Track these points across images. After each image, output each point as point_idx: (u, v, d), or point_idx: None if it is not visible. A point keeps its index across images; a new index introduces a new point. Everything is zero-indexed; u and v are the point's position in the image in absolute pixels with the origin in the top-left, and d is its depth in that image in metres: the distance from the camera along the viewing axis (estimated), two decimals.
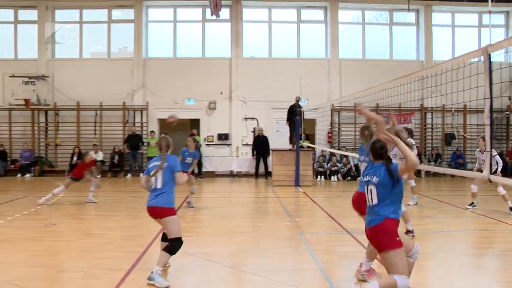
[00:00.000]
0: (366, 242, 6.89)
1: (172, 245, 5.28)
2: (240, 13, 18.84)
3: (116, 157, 17.64)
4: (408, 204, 10.66)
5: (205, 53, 19.17)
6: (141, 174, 17.48)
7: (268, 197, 12.83)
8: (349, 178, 16.72)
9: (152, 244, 6.83)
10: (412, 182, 10.86)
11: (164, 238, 5.52)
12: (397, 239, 4.16)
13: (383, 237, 4.16)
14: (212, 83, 18.62)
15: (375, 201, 4.25)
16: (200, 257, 6.23)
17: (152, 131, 18.00)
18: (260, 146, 17.39)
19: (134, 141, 17.59)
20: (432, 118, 19.02)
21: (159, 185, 5.34)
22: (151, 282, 5.03)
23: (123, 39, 19.18)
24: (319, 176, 16.86)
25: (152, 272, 5.10)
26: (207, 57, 19.07)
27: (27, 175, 17.54)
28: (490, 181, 4.72)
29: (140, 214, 9.63)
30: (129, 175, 17.61)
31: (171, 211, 5.34)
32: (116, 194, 12.86)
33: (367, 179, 4.34)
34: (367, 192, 4.33)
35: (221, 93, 18.76)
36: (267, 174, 17.18)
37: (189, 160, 10.03)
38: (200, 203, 11.37)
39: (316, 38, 19.37)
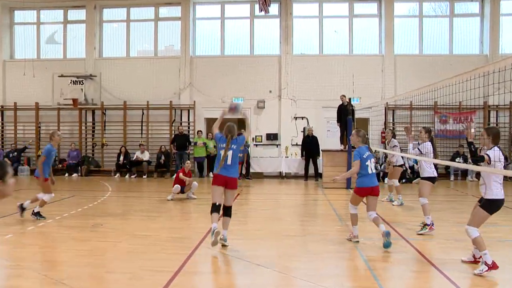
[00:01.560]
0: (424, 248, 6.72)
1: (231, 210, 7.05)
2: (290, 8, 18.80)
3: (163, 157, 18.02)
4: (393, 205, 10.93)
5: (253, 50, 19.29)
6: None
7: (318, 200, 12.71)
8: (404, 180, 16.21)
9: (199, 246, 6.90)
10: (395, 182, 11.20)
11: (215, 209, 6.85)
12: None
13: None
14: (261, 81, 18.70)
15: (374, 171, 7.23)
16: (248, 261, 6.22)
17: (199, 131, 18.28)
18: (310, 146, 17.29)
19: (181, 140, 17.90)
20: (497, 117, 18.21)
21: (229, 162, 6.98)
22: (226, 244, 6.85)
23: (170, 37, 19.69)
24: None
25: (224, 235, 6.84)
26: (255, 54, 19.20)
27: (74, 175, 18.26)
28: None
29: (186, 216, 9.81)
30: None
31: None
32: (162, 195, 13.10)
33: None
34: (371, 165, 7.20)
35: (270, 91, 18.81)
36: (317, 175, 17.06)
37: (240, 155, 10.98)
38: (247, 204, 11.40)
39: (369, 33, 19.05)
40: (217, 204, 6.86)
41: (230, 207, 7.02)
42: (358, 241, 7.30)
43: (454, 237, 7.66)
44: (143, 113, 18.90)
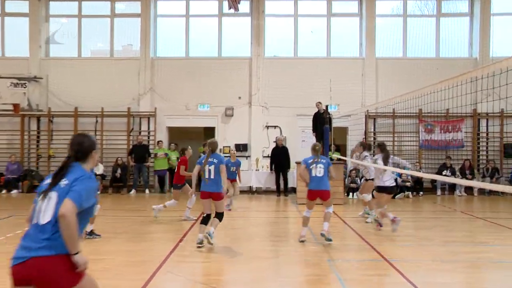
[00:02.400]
0: (408, 270, 6.81)
1: (222, 215, 8.48)
2: (262, 5, 18.95)
3: (119, 171, 17.81)
4: (366, 222, 11.29)
5: (221, 52, 19.32)
6: (147, 190, 17.67)
7: (291, 217, 12.74)
8: None
9: (160, 271, 6.81)
10: (366, 197, 11.60)
11: (204, 221, 8.48)
12: None
13: None
14: (230, 87, 18.73)
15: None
16: (214, 286, 6.18)
17: (161, 141, 18.14)
18: (279, 158, 17.40)
19: (140, 152, 17.76)
20: (487, 126, 18.71)
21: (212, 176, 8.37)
22: (211, 241, 8.18)
23: (128, 36, 19.51)
24: (351, 193, 16.69)
25: (210, 232, 8.18)
26: (224, 56, 19.23)
27: (14, 192, 17.73)
28: None
29: (146, 237, 9.68)
30: (133, 191, 17.72)
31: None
32: (117, 213, 12.92)
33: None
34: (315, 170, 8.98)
35: (240, 97, 18.85)
36: (286, 190, 17.21)
37: (233, 169, 13.18)
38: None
39: (349, 34, 19.36)
40: (206, 215, 8.46)
41: (221, 213, 8.47)
42: (303, 241, 8.85)
43: (441, 258, 7.78)
44: (96, 121, 18.64)
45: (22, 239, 3.30)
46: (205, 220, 8.45)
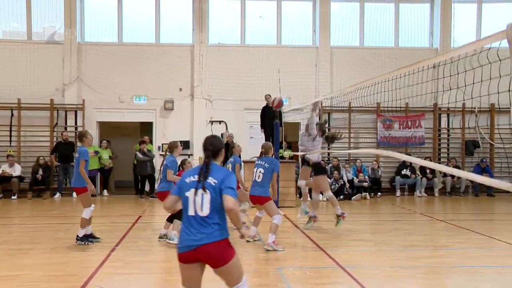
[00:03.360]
0: (364, 277, 6.90)
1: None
2: None
3: (41, 172, 17.34)
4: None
5: (159, 38, 19.14)
6: (74, 194, 17.19)
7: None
8: (341, 197, 16.69)
9: (88, 285, 6.61)
10: (316, 196, 11.48)
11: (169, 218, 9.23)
12: None
13: None
14: (169, 77, 18.57)
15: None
16: None
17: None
18: (227, 156, 17.32)
19: (65, 150, 17.32)
20: (448, 121, 19.31)
21: None
22: (171, 242, 8.79)
23: (50, 16, 18.83)
24: None
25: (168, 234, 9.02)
26: (162, 43, 19.06)
27: None
28: None
29: (72, 247, 9.39)
30: (57, 195, 17.27)
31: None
32: (38, 220, 12.54)
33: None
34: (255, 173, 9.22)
35: (181, 89, 18.74)
36: None
37: (229, 166, 11.20)
38: (151, 230, 11.17)
39: (301, 20, 19.55)
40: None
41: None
42: (249, 241, 9.27)
43: (400, 264, 7.93)
44: (12, 115, 18.02)
45: (186, 229, 4.41)
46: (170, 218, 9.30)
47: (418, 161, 7.38)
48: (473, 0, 19.64)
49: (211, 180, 4.35)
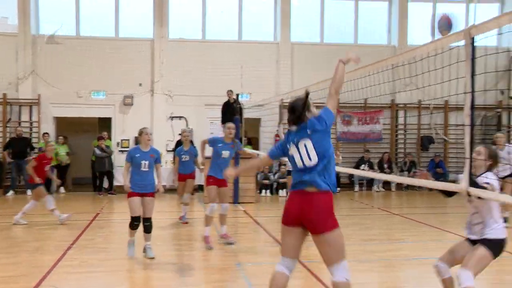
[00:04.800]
0: (322, 272, 6.99)
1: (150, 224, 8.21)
2: None
3: None
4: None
5: (119, 31, 18.91)
6: (29, 191, 16.83)
7: (197, 218, 12.63)
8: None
9: (41, 285, 6.50)
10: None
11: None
12: None
13: None
14: (129, 72, 18.34)
15: None
16: None
17: (46, 133, 17.37)
18: None
19: (19, 146, 16.96)
20: (405, 117, 19.69)
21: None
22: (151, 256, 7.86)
23: (1, 7, 18.29)
24: (263, 191, 17.03)
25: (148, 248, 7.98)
26: (121, 37, 18.83)
27: None
28: (469, 195, 4.66)
29: (24, 246, 9.22)
30: (11, 193, 16.93)
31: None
32: None
33: None
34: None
35: (140, 84, 18.56)
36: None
37: (185, 158, 11.30)
38: (110, 227, 11.07)
39: (263, 15, 19.57)
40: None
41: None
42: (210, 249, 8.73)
43: (358, 257, 8.06)
44: None
45: (300, 179, 4.58)
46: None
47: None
48: None
49: (307, 132, 4.71)
